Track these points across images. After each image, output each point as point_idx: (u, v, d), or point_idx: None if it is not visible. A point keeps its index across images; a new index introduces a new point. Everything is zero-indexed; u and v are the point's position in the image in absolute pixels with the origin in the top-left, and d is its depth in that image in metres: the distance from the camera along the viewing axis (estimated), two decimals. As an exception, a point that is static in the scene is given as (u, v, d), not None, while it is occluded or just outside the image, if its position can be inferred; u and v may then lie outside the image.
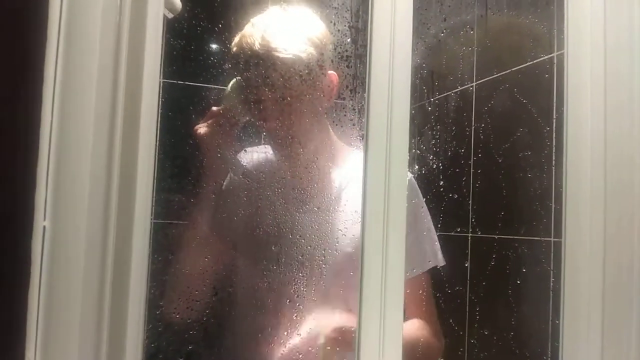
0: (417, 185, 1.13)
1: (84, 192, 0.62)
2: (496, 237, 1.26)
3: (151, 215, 0.68)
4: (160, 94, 0.71)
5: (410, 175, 1.12)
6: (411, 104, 0.83)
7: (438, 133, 1.23)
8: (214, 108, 1.09)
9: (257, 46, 1.02)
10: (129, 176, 0.65)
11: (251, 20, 1.08)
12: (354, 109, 1.08)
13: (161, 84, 0.71)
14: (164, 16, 0.88)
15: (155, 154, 0.69)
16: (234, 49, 1.07)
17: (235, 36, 1.08)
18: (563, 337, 0.94)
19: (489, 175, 1.28)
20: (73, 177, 0.62)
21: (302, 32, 1.06)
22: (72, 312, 0.61)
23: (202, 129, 1.07)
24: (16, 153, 0.60)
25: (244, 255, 1.09)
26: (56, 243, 0.60)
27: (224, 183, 1.11)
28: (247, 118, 1.10)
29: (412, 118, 0.82)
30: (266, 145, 1.14)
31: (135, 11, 0.67)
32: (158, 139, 0.70)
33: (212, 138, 1.07)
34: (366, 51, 0.82)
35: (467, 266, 1.25)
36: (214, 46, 1.24)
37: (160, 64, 0.71)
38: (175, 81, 1.20)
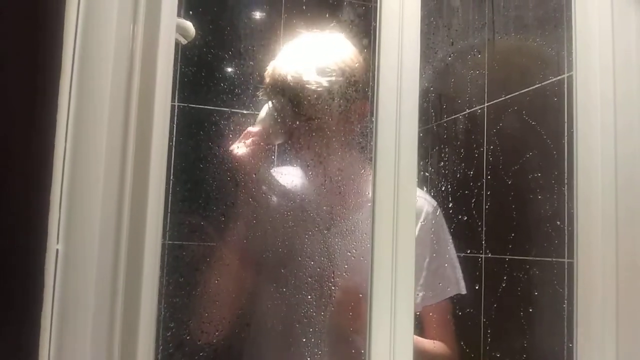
0: (441, 214, 1.13)
1: (96, 216, 0.63)
2: (507, 258, 1.25)
3: (163, 237, 0.69)
4: (175, 118, 0.72)
5: (434, 203, 1.13)
6: (419, 127, 0.83)
7: (447, 155, 1.23)
8: (251, 128, 1.09)
9: (289, 80, 1.05)
10: (141, 199, 0.66)
11: (282, 49, 1.10)
12: (362, 133, 1.09)
13: (176, 108, 0.72)
14: (178, 42, 0.90)
15: (168, 176, 0.70)
16: (267, 79, 1.09)
17: (255, 62, 1.10)
18: (577, 359, 0.93)
19: (500, 197, 1.27)
20: (85, 200, 0.63)
21: (335, 62, 1.08)
22: (84, 335, 0.61)
23: (238, 148, 1.07)
24: (30, 177, 0.61)
25: (265, 276, 1.09)
26: (69, 266, 0.61)
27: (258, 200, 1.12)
28: (281, 140, 1.11)
29: (421, 141, 0.83)
30: (295, 167, 1.15)
31: (147, 37, 0.69)
32: (172, 161, 0.71)
33: (248, 158, 1.07)
34: (374, 75, 0.83)
35: (479, 288, 1.24)
36: (228, 70, 1.26)
37: (174, 89, 0.72)
38: (189, 105, 1.22)
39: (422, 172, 0.84)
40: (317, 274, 1.04)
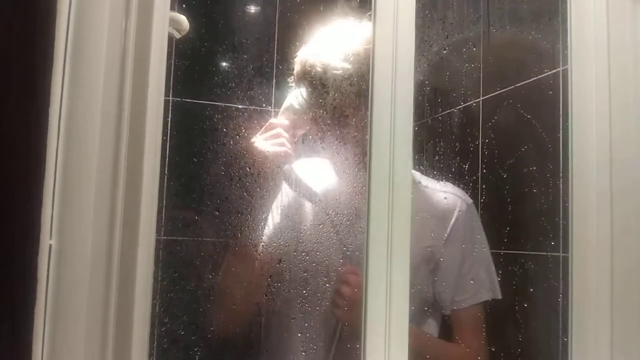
0: (476, 212, 1.12)
1: (90, 211, 0.63)
2: (502, 252, 1.25)
3: (157, 233, 0.69)
4: (169, 112, 0.71)
5: (469, 201, 1.12)
6: (414, 120, 0.83)
7: (442, 149, 1.22)
8: (273, 120, 1.07)
9: (318, 67, 1.05)
10: (134, 194, 0.66)
11: (307, 41, 1.10)
12: (356, 126, 1.08)
13: (170, 102, 0.71)
14: (172, 36, 0.90)
15: (162, 171, 0.70)
16: (298, 66, 1.09)
17: (250, 55, 1.10)
18: (571, 354, 0.93)
19: (495, 191, 1.27)
20: (79, 195, 0.62)
21: (360, 48, 1.07)
22: (77, 330, 0.61)
23: (261, 141, 1.05)
24: (23, 172, 0.61)
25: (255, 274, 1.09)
26: (62, 261, 0.61)
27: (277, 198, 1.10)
28: (305, 130, 1.09)
29: (416, 134, 0.82)
30: (322, 159, 1.13)
31: (140, 31, 0.68)
32: (167, 156, 0.71)
33: (272, 151, 1.05)
34: (369, 69, 0.82)
35: (472, 282, 1.24)
36: (222, 63, 1.25)
37: (168, 83, 0.72)
38: (183, 99, 1.21)
39: (417, 166, 0.83)
40: (312, 269, 1.04)
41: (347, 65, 1.05)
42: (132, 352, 0.64)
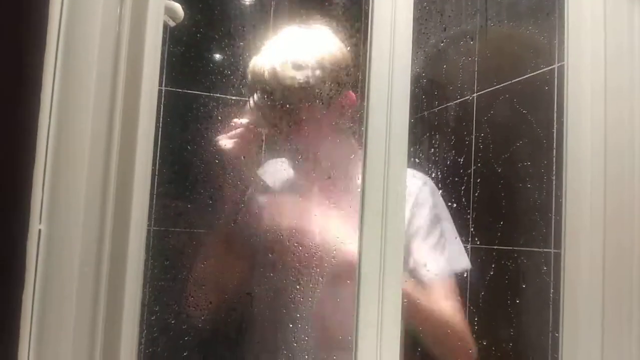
0: (433, 189, 1.12)
1: (80, 196, 0.62)
2: (495, 247, 1.25)
3: (148, 221, 0.68)
4: (162, 102, 0.71)
5: (424, 179, 1.12)
6: (410, 113, 0.83)
7: (437, 142, 1.22)
8: (237, 120, 1.09)
9: (266, 75, 1.05)
10: (126, 181, 0.65)
11: (265, 43, 1.10)
12: (353, 118, 1.08)
13: (163, 92, 0.71)
14: (167, 24, 0.89)
15: (154, 160, 0.69)
16: (249, 75, 1.09)
17: (238, 47, 1.10)
18: (562, 348, 0.93)
19: (489, 185, 1.27)
20: (69, 180, 0.62)
21: (314, 57, 1.07)
22: (66, 317, 0.61)
23: (225, 139, 1.07)
24: (13, 156, 0.60)
25: (249, 262, 1.09)
26: (51, 246, 0.60)
27: (247, 194, 1.11)
28: (268, 131, 1.11)
29: (412, 127, 0.82)
30: (283, 159, 1.14)
31: (134, 19, 0.67)
32: (159, 145, 0.70)
33: (236, 149, 1.07)
34: (366, 60, 0.82)
35: (466, 276, 1.24)
36: (216, 54, 1.25)
37: (162, 72, 0.71)
38: (177, 89, 1.21)
39: (412, 158, 0.83)
40: (306, 259, 1.03)
41: (296, 73, 1.06)
42: (121, 339, 0.64)
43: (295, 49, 1.08)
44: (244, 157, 1.07)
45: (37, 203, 0.60)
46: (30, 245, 0.59)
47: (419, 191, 1.10)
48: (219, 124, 1.10)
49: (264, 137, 1.11)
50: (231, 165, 1.07)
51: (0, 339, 0.58)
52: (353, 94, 1.09)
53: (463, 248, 1.13)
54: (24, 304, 0.59)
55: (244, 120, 1.09)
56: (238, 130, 1.08)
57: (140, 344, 0.66)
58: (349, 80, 1.09)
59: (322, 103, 1.07)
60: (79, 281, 0.61)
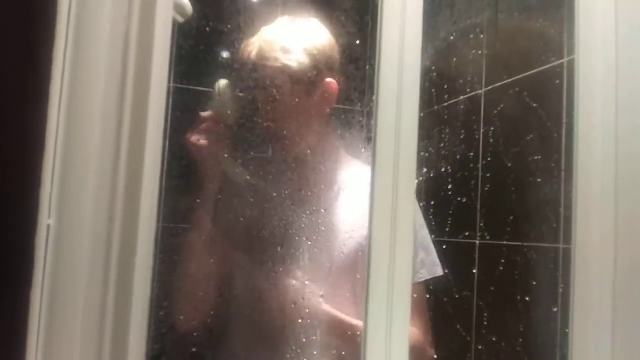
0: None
1: (90, 191, 0.62)
2: (505, 242, 1.25)
3: (158, 216, 0.68)
4: (170, 98, 0.70)
5: None
6: (420, 107, 0.82)
7: (447, 136, 1.22)
8: (203, 113, 1.08)
9: (253, 55, 1.07)
10: (136, 176, 0.65)
11: (260, 30, 1.11)
12: (362, 112, 1.08)
13: (171, 89, 0.71)
14: (175, 20, 0.88)
15: (162, 154, 0.69)
16: (238, 55, 1.10)
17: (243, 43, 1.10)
18: (572, 345, 0.92)
19: (498, 180, 1.27)
20: (79, 176, 0.61)
21: (301, 43, 1.08)
22: (75, 312, 0.60)
23: (193, 136, 1.06)
24: (22, 151, 0.60)
25: (249, 257, 1.09)
26: (60, 242, 0.60)
27: (225, 187, 1.11)
28: (240, 121, 1.10)
29: (422, 121, 0.81)
30: (264, 150, 1.14)
31: (144, 15, 0.67)
32: (167, 141, 0.70)
33: (205, 144, 1.06)
34: (375, 54, 0.81)
35: (475, 271, 1.24)
36: (224, 50, 1.24)
37: (170, 68, 0.71)
38: (184, 86, 1.20)
39: (421, 153, 0.82)
40: (313, 254, 1.03)
41: (282, 56, 1.07)
42: (130, 335, 0.63)
43: (284, 35, 1.10)
44: (213, 149, 1.06)
45: (46, 198, 0.60)
46: (39, 240, 0.59)
47: None
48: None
49: (235, 128, 1.10)
50: (203, 160, 1.06)
51: (10, 334, 0.58)
52: (335, 82, 1.09)
53: (437, 257, 1.13)
54: (32, 299, 0.58)
55: (208, 113, 1.08)
56: (205, 123, 1.07)
57: (148, 339, 0.65)
58: (333, 70, 1.10)
59: (303, 88, 1.08)
60: (88, 277, 0.61)
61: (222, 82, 1.10)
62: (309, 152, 1.09)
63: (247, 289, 1.08)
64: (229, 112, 1.08)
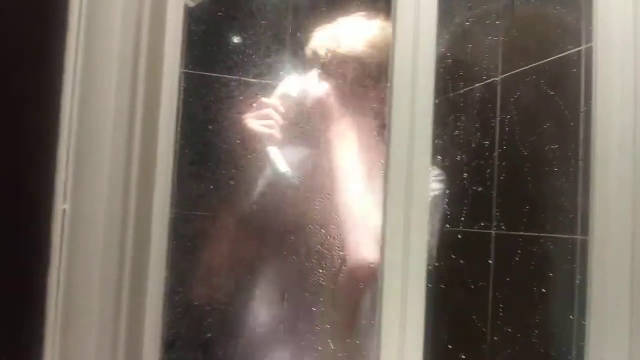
0: None
1: (104, 176, 0.62)
2: (520, 233, 1.24)
3: (171, 201, 0.68)
4: (181, 84, 0.71)
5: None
6: (435, 94, 0.82)
7: (462, 124, 1.21)
8: (266, 99, 1.08)
9: (322, 52, 1.09)
10: (148, 161, 0.66)
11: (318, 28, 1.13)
12: (376, 98, 1.08)
13: (182, 74, 0.71)
14: (185, 5, 0.89)
15: (175, 140, 0.69)
16: (308, 52, 1.12)
17: (267, 24, 1.11)
18: (589, 337, 0.92)
19: (514, 169, 1.26)
20: (93, 161, 0.62)
21: (364, 36, 1.10)
22: (90, 295, 0.61)
23: (251, 118, 1.07)
24: (37, 138, 0.60)
25: (267, 245, 1.09)
26: (76, 226, 0.61)
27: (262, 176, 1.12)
28: (298, 114, 1.11)
29: (436, 108, 0.81)
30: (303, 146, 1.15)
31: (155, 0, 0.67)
32: (179, 126, 0.70)
33: (260, 128, 1.07)
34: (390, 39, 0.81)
35: (490, 263, 1.23)
36: (236, 35, 1.24)
37: (181, 54, 0.71)
38: (196, 71, 1.20)
39: (435, 140, 0.82)
40: (327, 242, 1.03)
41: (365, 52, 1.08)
42: (145, 319, 0.64)
43: (347, 29, 1.11)
44: (266, 137, 1.07)
45: (61, 184, 0.60)
46: (55, 224, 0.60)
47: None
48: (240, 106, 1.09)
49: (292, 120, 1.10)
50: (253, 146, 1.07)
51: (28, 317, 0.59)
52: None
53: None
54: (49, 282, 0.59)
55: (272, 101, 1.09)
56: (265, 111, 1.08)
57: (163, 324, 0.66)
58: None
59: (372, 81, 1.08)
60: (103, 260, 0.62)
61: (290, 75, 1.11)
62: (354, 145, 1.09)
63: (287, 277, 1.08)
64: (289, 104, 1.09)
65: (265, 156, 1.07)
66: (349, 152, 1.10)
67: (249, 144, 1.07)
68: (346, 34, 1.11)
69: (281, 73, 1.13)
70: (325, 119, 1.09)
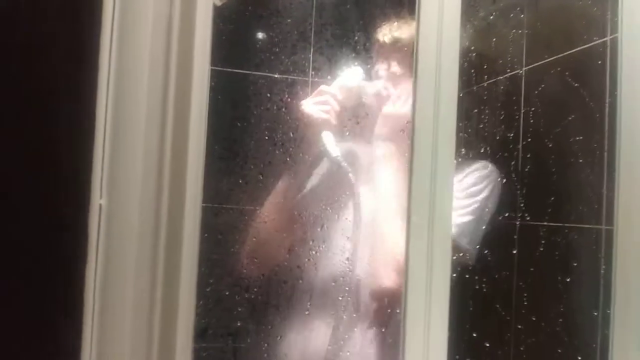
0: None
1: (138, 172, 0.64)
2: (545, 223, 1.24)
3: (202, 195, 0.70)
4: (210, 81, 0.72)
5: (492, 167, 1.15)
6: (459, 87, 0.82)
7: (486, 117, 1.21)
8: (324, 87, 1.10)
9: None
10: (180, 156, 0.67)
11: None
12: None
13: (211, 71, 0.72)
14: (214, 4, 0.90)
15: (205, 135, 0.71)
16: (383, 39, 1.13)
17: (291, 22, 1.11)
18: (614, 326, 0.92)
19: (539, 160, 1.25)
20: (127, 158, 0.64)
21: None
22: (126, 287, 0.63)
23: (309, 104, 1.09)
24: (74, 136, 0.62)
25: (300, 235, 1.11)
26: (111, 220, 0.62)
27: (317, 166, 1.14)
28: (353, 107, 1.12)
29: (461, 101, 0.81)
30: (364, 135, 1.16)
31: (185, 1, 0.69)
32: (208, 123, 0.72)
33: (316, 115, 1.08)
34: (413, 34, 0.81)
35: (515, 253, 1.23)
36: (262, 33, 1.26)
37: (210, 52, 0.73)
38: (223, 68, 1.22)
39: (460, 133, 0.82)
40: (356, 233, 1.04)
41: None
42: (179, 310, 0.66)
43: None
44: (322, 123, 1.08)
45: (97, 180, 0.62)
46: (92, 219, 0.62)
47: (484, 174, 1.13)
48: (267, 103, 1.11)
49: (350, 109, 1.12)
50: (313, 131, 1.08)
51: (66, 310, 0.61)
52: None
53: (475, 235, 1.14)
54: (87, 275, 0.61)
55: (333, 89, 1.10)
56: (324, 98, 1.09)
57: (196, 313, 0.68)
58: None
59: None
60: (138, 253, 0.64)
61: (352, 71, 1.13)
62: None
63: (313, 267, 1.10)
64: (348, 98, 1.11)
65: (319, 140, 1.09)
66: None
67: (305, 130, 1.09)
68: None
69: (309, 69, 1.14)
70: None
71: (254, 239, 1.08)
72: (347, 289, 1.04)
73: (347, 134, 1.13)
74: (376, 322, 1.06)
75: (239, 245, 1.07)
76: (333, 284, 1.05)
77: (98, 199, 0.62)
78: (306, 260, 1.06)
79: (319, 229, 1.05)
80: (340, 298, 1.04)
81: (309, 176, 1.12)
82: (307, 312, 1.07)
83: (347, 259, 1.06)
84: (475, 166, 1.14)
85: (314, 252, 1.06)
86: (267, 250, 1.09)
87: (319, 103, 1.09)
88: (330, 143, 1.09)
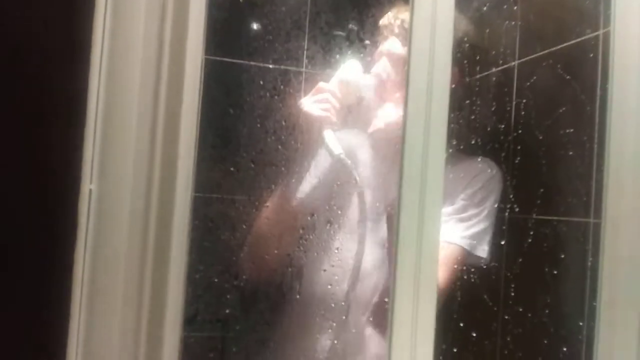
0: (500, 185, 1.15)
1: (129, 158, 0.64)
2: (534, 215, 1.24)
3: (193, 184, 0.70)
4: (203, 69, 0.72)
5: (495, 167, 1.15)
6: (451, 78, 0.82)
7: (478, 108, 1.21)
8: (323, 85, 1.08)
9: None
10: (172, 143, 0.67)
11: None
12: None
13: (204, 60, 0.72)
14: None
15: (197, 123, 0.70)
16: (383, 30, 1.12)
17: (286, 10, 1.10)
18: (600, 318, 0.93)
19: (529, 153, 1.26)
20: (118, 143, 0.64)
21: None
22: (115, 272, 0.63)
23: (308, 102, 1.07)
24: (64, 121, 0.62)
25: (291, 224, 1.11)
26: (101, 206, 0.62)
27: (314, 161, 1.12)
28: (354, 101, 1.11)
29: (453, 92, 0.81)
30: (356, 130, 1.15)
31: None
32: (200, 110, 0.72)
33: (316, 114, 1.06)
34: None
35: (503, 244, 1.24)
36: (256, 22, 1.25)
37: (203, 40, 0.72)
38: (217, 57, 1.21)
39: (451, 124, 0.83)
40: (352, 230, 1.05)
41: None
42: (167, 296, 0.66)
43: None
44: (323, 122, 1.07)
45: (87, 165, 0.62)
46: (82, 204, 0.62)
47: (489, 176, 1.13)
48: (260, 92, 1.10)
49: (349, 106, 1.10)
50: (313, 129, 1.07)
51: (55, 295, 0.61)
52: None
53: (489, 242, 1.13)
54: (76, 259, 0.61)
55: (331, 86, 1.08)
56: (324, 95, 1.08)
57: (184, 300, 0.68)
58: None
59: None
60: (128, 238, 0.64)
61: (348, 64, 1.11)
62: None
63: (303, 256, 1.09)
64: (347, 93, 1.09)
65: (320, 139, 1.07)
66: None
67: (305, 127, 1.07)
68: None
69: (303, 59, 1.13)
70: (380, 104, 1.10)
71: (243, 228, 1.08)
72: (335, 278, 1.04)
73: (348, 128, 1.13)
74: (365, 311, 1.07)
75: (229, 233, 1.07)
76: (323, 272, 1.05)
77: (88, 184, 0.62)
78: (296, 249, 1.07)
79: (308, 218, 1.05)
80: (329, 287, 1.04)
81: (308, 169, 1.11)
82: (296, 300, 1.07)
83: (337, 248, 1.06)
84: (481, 167, 1.14)
85: (304, 241, 1.06)
86: (257, 239, 1.09)
87: (318, 101, 1.07)
88: (332, 142, 1.07)
